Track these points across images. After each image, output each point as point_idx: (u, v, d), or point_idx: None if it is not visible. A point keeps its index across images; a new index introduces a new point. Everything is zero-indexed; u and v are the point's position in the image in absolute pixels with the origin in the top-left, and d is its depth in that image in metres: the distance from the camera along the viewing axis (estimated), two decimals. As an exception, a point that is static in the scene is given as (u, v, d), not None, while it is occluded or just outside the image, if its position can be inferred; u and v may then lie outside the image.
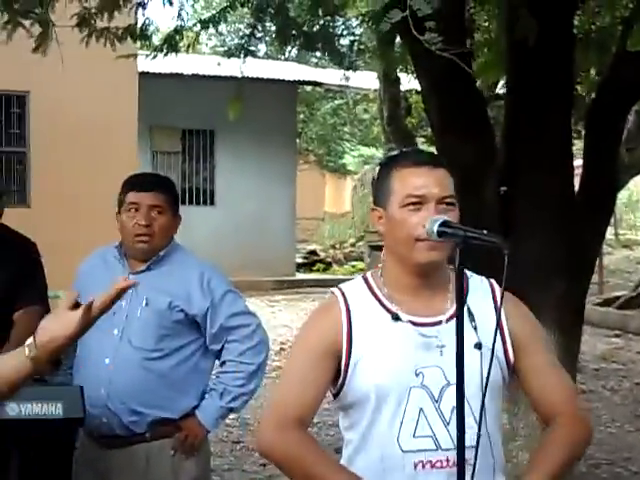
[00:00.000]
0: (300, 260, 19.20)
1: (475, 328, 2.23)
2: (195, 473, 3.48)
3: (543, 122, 5.07)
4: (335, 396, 2.32)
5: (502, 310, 2.19)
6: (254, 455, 6.73)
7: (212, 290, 3.41)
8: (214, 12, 5.87)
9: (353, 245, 20.94)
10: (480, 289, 2.33)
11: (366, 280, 2.35)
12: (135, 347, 3.35)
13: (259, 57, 18.62)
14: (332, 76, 18.67)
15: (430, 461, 2.20)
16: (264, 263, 16.98)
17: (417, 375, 2.22)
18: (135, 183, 3.48)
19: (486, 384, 2.13)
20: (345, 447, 2.35)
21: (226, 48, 6.44)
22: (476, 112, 5.23)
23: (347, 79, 6.70)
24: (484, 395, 2.14)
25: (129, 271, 3.42)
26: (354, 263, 19.45)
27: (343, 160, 26.31)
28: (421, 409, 2.21)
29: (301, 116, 21.77)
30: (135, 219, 3.39)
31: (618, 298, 13.92)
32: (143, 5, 5.45)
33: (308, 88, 21.14)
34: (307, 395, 2.27)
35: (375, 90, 11.70)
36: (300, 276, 18.32)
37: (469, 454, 2.15)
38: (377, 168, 2.44)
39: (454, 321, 2.21)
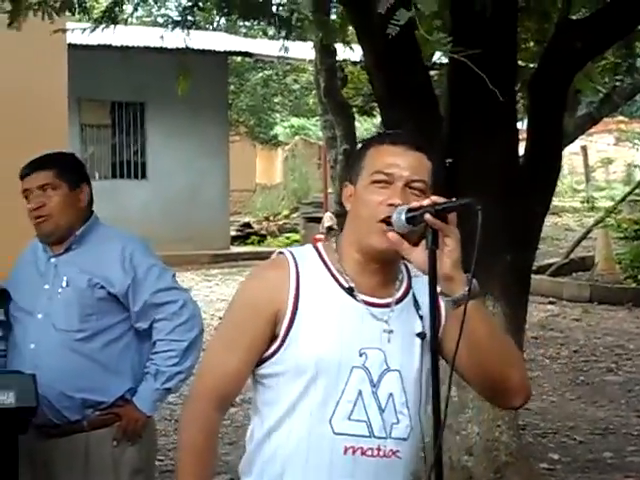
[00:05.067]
0: (234, 233, 19.07)
1: (421, 317, 2.16)
2: (137, 463, 3.38)
3: (486, 92, 5.04)
4: (262, 362, 2.17)
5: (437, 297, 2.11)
6: (199, 433, 6.65)
7: (135, 265, 3.29)
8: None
9: (287, 217, 20.85)
10: (422, 281, 2.18)
11: (317, 250, 2.24)
12: (59, 329, 3.25)
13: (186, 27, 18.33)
14: (262, 46, 18.56)
15: (361, 447, 2.11)
16: (198, 237, 16.83)
17: (360, 355, 2.12)
18: (22, 170, 3.36)
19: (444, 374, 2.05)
20: (261, 421, 2.19)
21: (166, 20, 6.26)
22: (421, 85, 5.18)
23: (286, 49, 6.59)
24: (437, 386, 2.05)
25: (50, 255, 3.34)
26: (288, 235, 19.37)
27: (274, 131, 26.18)
28: (360, 391, 2.12)
29: (231, 87, 21.53)
30: (29, 206, 3.31)
31: (550, 265, 14.08)
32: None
33: (238, 59, 20.93)
34: (240, 366, 2.16)
35: (310, 61, 11.60)
36: (235, 249, 18.20)
37: (398, 446, 2.13)
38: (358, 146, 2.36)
39: (403, 305, 2.17)
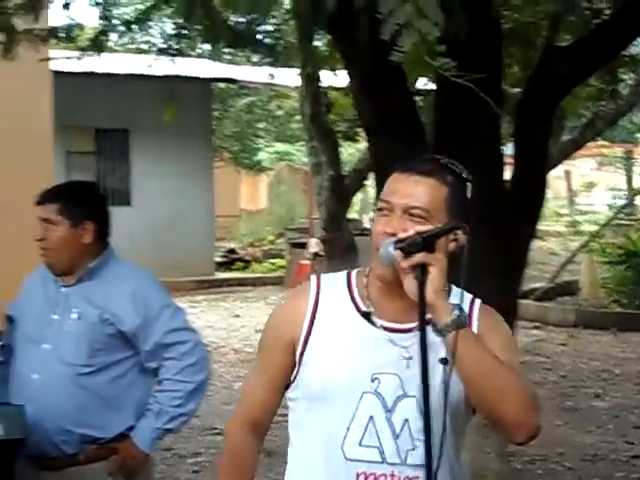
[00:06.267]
0: (219, 259, 19.03)
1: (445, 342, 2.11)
2: None
3: (472, 119, 5.05)
4: (287, 387, 2.24)
5: (473, 315, 2.16)
6: (186, 462, 6.61)
7: (147, 306, 3.25)
8: (138, 12, 5.73)
9: (272, 242, 20.84)
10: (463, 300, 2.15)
11: (348, 275, 2.26)
12: (65, 363, 3.20)
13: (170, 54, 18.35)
14: (246, 72, 18.60)
15: (373, 474, 2.10)
16: (183, 263, 16.77)
17: (372, 381, 2.12)
18: (37, 198, 3.34)
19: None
20: (290, 443, 2.25)
21: (151, 47, 6.29)
22: (408, 111, 5.19)
23: (272, 77, 6.61)
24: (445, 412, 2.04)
25: (61, 284, 3.29)
26: (273, 260, 19.35)
27: (258, 157, 26.21)
28: (371, 417, 2.11)
29: (215, 113, 21.55)
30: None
31: (536, 290, 14.09)
32: (66, 5, 5.27)
33: (222, 85, 20.96)
34: (265, 392, 2.26)
35: (295, 87, 11.64)
36: (220, 275, 18.15)
37: (416, 472, 2.07)
38: None
39: (429, 329, 2.09)
